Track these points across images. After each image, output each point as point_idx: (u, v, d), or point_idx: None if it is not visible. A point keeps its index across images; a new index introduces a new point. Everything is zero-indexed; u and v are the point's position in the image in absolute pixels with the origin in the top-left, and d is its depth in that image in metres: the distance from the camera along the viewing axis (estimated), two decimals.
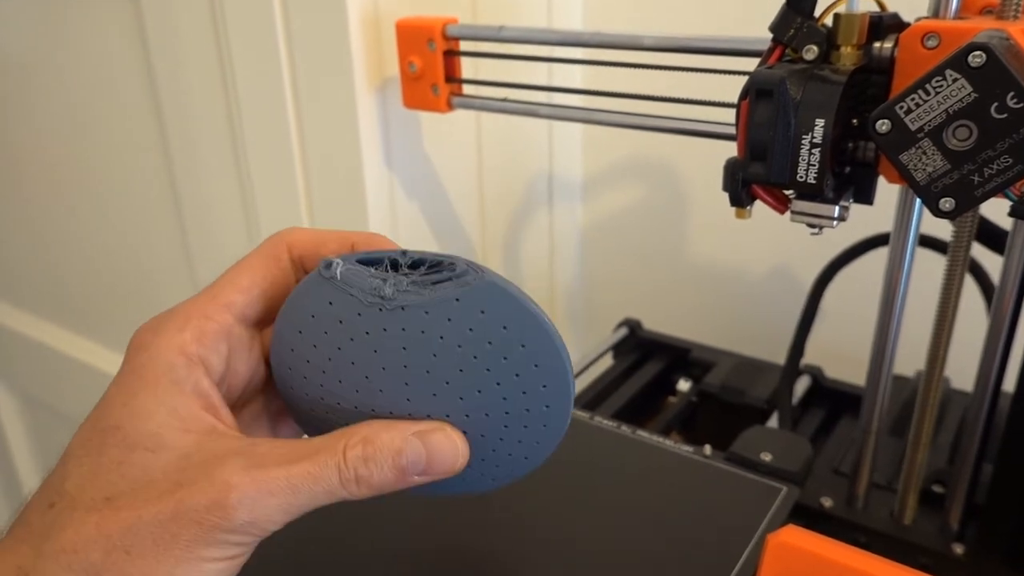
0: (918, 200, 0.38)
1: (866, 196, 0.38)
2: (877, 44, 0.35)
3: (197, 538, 0.24)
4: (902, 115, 0.31)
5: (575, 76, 0.72)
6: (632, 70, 0.47)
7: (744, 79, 0.35)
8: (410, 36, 0.54)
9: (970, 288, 0.45)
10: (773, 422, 0.53)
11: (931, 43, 0.33)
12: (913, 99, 0.31)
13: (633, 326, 0.67)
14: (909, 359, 0.50)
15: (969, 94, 0.30)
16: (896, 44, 0.34)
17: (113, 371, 0.28)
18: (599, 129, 0.75)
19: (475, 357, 0.27)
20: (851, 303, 0.62)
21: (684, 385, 0.61)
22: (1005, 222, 0.39)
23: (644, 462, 0.46)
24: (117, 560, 0.24)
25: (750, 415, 0.55)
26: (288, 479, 0.25)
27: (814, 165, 0.34)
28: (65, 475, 0.26)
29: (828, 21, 0.35)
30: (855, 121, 0.36)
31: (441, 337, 0.27)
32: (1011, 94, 0.29)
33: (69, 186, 0.82)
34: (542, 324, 0.26)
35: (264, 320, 0.30)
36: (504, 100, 0.54)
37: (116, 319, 0.87)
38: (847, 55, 0.34)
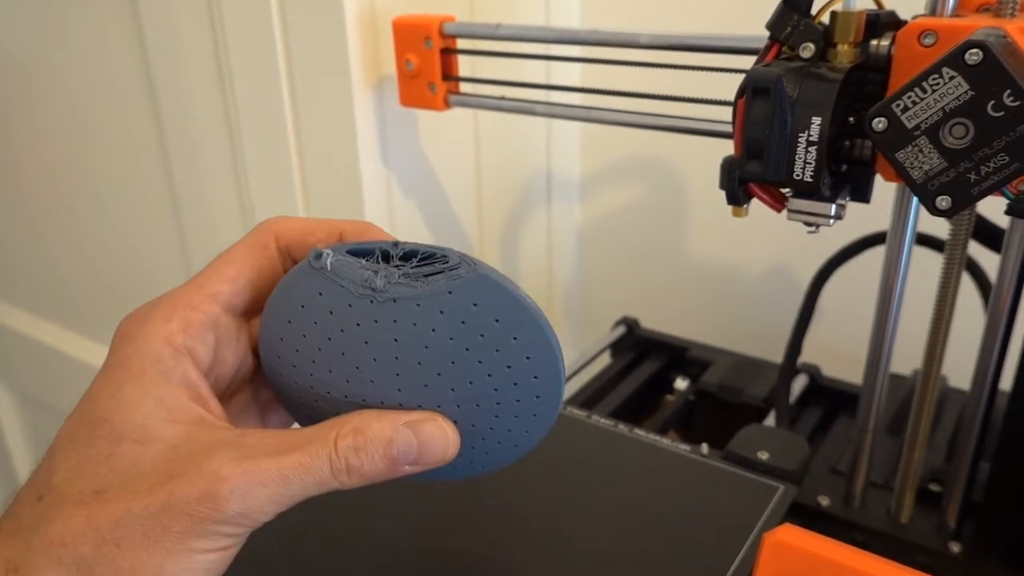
0: (915, 198, 0.38)
1: (863, 194, 0.38)
2: (874, 42, 0.35)
3: (188, 530, 0.24)
4: (899, 113, 0.31)
5: (573, 74, 0.72)
6: (630, 68, 0.47)
7: (741, 77, 0.35)
8: (407, 34, 0.54)
9: (967, 286, 0.45)
10: (770, 421, 0.53)
11: (928, 41, 0.33)
12: (910, 97, 0.31)
13: (630, 324, 0.67)
14: (906, 357, 0.50)
15: (966, 92, 0.30)
16: (893, 42, 0.34)
17: None
18: (597, 127, 0.75)
19: (467, 349, 0.27)
20: (848, 302, 0.62)
21: (681, 384, 0.61)
22: (1002, 220, 0.40)
23: (641, 461, 0.46)
24: (108, 553, 0.24)
25: (747, 414, 0.55)
26: (279, 470, 0.25)
27: (811, 163, 0.34)
28: (53, 468, 0.26)
29: (825, 19, 0.35)
30: (852, 119, 0.36)
31: (433, 330, 0.27)
32: (1008, 92, 0.29)
33: (68, 186, 0.82)
34: (534, 316, 0.26)
35: (251, 310, 0.30)
36: (501, 98, 0.54)
37: (115, 318, 0.86)
38: (844, 53, 0.34)
